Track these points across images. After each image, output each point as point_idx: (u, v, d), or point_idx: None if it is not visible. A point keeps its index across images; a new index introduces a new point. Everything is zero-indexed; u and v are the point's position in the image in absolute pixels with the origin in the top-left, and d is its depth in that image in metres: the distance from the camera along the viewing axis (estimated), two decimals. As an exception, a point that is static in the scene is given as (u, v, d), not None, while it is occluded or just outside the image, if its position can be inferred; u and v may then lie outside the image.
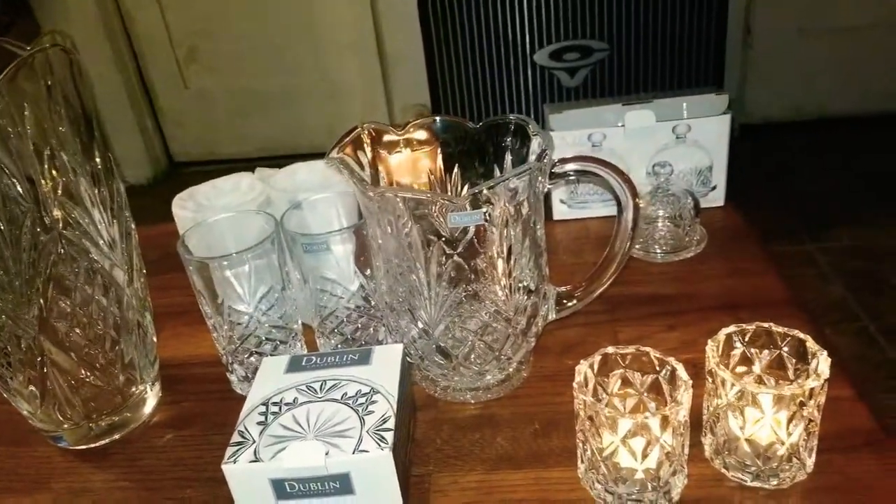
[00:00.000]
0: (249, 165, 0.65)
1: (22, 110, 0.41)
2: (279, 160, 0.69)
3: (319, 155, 0.65)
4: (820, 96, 2.16)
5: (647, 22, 1.53)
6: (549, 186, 0.49)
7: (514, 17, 1.50)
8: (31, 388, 0.48)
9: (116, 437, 0.52)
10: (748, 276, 0.63)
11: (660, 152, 0.71)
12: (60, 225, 0.44)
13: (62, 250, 0.44)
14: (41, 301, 0.44)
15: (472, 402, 0.52)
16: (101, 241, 0.46)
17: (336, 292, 0.54)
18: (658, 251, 0.66)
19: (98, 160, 0.46)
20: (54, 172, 0.43)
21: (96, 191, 0.46)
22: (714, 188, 0.73)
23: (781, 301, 0.59)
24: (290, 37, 2.23)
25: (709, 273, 0.64)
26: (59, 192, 0.43)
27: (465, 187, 0.55)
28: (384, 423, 0.42)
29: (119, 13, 2.24)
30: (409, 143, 0.54)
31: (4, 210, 0.41)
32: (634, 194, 0.49)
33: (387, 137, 0.53)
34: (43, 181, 0.42)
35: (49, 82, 0.43)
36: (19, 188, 0.41)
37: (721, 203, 0.73)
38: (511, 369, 0.52)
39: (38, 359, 0.46)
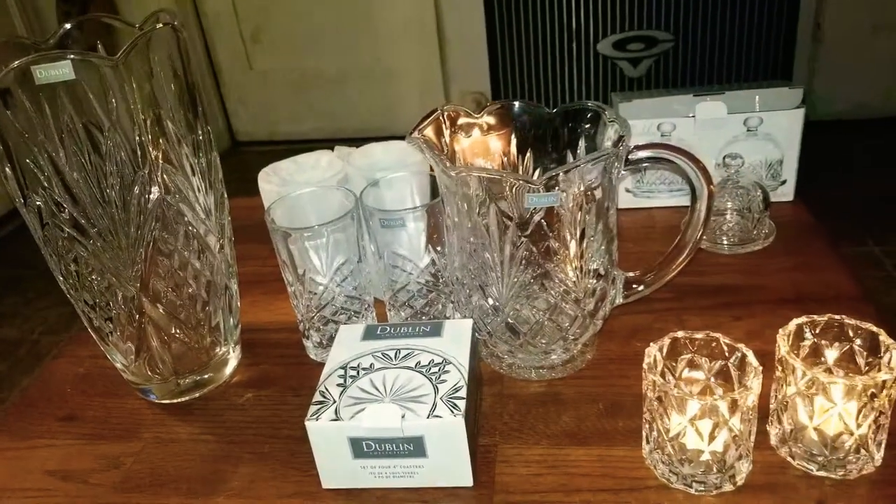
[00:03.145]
0: (307, 147, 0.68)
1: (133, 85, 0.44)
2: (336, 142, 0.72)
3: (376, 138, 0.68)
4: (889, 94, 2.08)
5: (714, 13, 1.50)
6: (624, 172, 0.50)
7: (579, 6, 1.49)
8: (129, 343, 0.52)
9: (199, 394, 0.56)
10: (817, 271, 0.62)
11: (729, 144, 0.70)
12: (164, 191, 0.47)
13: (164, 214, 0.47)
14: (144, 262, 0.47)
15: (536, 379, 0.53)
16: (197, 208, 0.49)
17: (406, 268, 0.56)
18: (725, 243, 0.66)
19: (200, 132, 0.49)
20: (161, 142, 0.46)
21: (196, 161, 0.49)
22: (784, 182, 0.72)
23: (850, 297, 0.58)
24: (348, 19, 2.26)
25: (776, 267, 0.63)
26: (163, 160, 0.47)
27: (538, 171, 0.56)
28: (456, 391, 0.44)
29: (189, -9, 2.31)
30: (484, 126, 0.56)
31: (117, 176, 0.44)
32: (710, 182, 0.49)
33: (463, 120, 0.55)
34: (150, 150, 0.46)
35: (158, 58, 0.46)
36: (130, 156, 0.45)
37: (790, 198, 0.72)
38: (576, 350, 0.54)
39: (137, 315, 0.50)
